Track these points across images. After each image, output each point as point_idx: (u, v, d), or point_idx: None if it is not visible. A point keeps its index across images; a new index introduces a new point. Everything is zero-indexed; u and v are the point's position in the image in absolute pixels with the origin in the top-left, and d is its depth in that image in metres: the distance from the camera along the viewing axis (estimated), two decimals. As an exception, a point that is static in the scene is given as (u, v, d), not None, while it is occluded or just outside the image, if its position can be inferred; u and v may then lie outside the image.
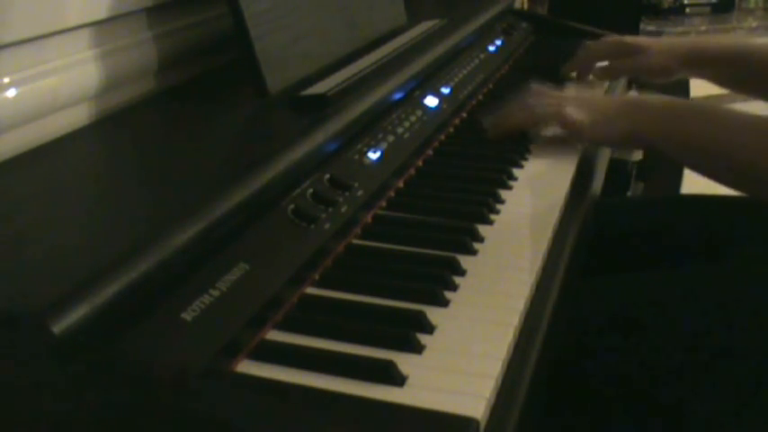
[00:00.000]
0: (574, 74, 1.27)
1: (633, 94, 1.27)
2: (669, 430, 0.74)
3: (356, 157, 0.80)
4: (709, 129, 0.87)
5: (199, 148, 0.76)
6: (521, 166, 0.91)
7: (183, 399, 0.45)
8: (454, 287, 0.65)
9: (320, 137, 0.75)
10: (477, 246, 0.72)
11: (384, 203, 0.79)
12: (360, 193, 0.75)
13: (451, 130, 1.01)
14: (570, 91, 1.03)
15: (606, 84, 1.26)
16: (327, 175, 0.74)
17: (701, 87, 1.48)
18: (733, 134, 0.85)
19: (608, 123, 0.92)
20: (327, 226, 0.68)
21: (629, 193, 1.82)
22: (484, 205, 0.79)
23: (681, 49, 1.17)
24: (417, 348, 0.56)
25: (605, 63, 1.27)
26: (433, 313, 0.60)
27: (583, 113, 0.93)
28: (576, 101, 0.96)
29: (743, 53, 1.13)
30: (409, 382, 0.52)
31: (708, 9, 2.43)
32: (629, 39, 1.23)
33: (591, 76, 1.26)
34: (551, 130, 0.97)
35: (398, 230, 0.74)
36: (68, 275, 0.49)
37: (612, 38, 1.26)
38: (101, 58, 0.81)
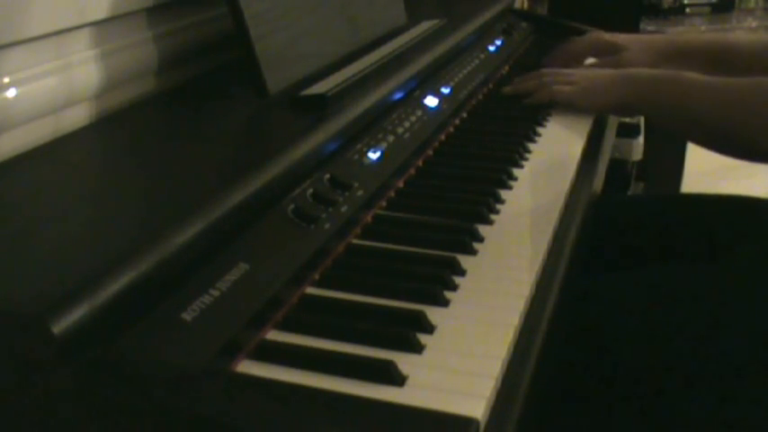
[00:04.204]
0: None
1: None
2: (670, 430, 0.74)
3: (356, 157, 0.80)
4: (682, 93, 0.97)
5: (199, 148, 0.75)
6: (521, 166, 0.91)
7: (183, 399, 0.45)
8: (454, 287, 0.65)
9: (320, 137, 0.75)
10: (477, 246, 0.72)
11: (384, 203, 0.79)
12: (360, 193, 0.75)
13: (451, 129, 1.01)
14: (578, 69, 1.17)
15: None
16: (327, 175, 0.74)
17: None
18: (702, 96, 0.95)
19: (601, 95, 1.07)
20: (327, 226, 0.68)
21: (629, 193, 1.82)
22: (484, 205, 0.79)
23: (660, 44, 1.19)
24: (417, 348, 0.56)
25: (589, 60, 1.28)
26: (433, 313, 0.60)
27: (579, 86, 1.09)
28: (578, 75, 1.11)
29: (722, 47, 1.14)
30: (409, 382, 0.52)
31: (708, 9, 2.43)
32: (607, 36, 1.24)
33: None
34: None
35: (398, 230, 0.74)
36: (68, 275, 0.49)
37: (591, 35, 1.27)
38: (101, 58, 0.81)
